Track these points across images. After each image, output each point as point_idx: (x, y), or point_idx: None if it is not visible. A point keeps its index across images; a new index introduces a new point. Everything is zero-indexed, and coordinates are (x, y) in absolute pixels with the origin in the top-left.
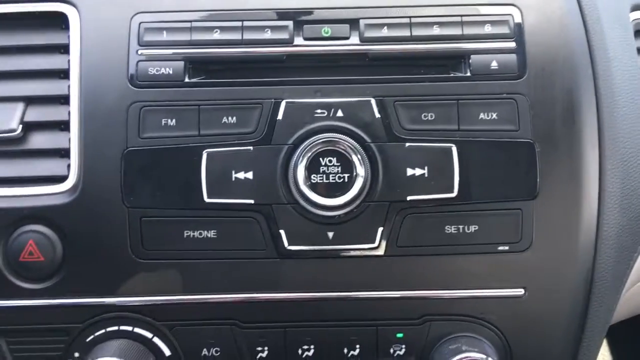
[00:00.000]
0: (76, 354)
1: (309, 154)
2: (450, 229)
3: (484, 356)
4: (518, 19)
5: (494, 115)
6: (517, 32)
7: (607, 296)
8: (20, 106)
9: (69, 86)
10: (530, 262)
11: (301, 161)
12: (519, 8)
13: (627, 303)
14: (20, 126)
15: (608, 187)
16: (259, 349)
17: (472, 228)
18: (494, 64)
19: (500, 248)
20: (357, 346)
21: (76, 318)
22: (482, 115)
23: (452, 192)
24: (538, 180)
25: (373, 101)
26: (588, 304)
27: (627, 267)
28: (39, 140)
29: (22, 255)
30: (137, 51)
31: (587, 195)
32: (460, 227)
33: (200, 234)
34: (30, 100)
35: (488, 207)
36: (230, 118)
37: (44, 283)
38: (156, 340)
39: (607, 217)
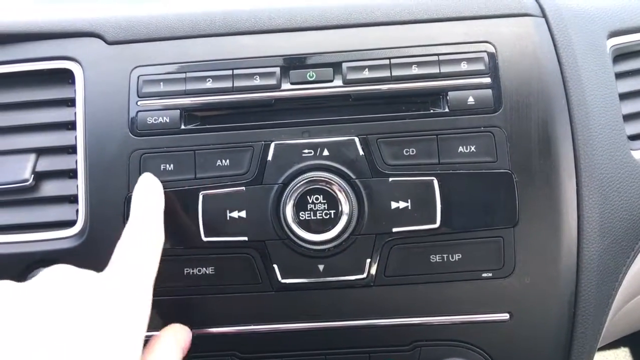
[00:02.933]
0: None
1: (297, 193)
2: (435, 258)
3: None
4: (492, 55)
5: (473, 148)
6: (492, 68)
7: (593, 318)
8: (32, 157)
9: (75, 137)
10: (513, 288)
11: (289, 200)
12: (493, 45)
13: (621, 322)
14: (32, 176)
15: (586, 213)
16: None
17: (456, 256)
18: (471, 100)
19: (484, 275)
20: None
21: None
22: (461, 149)
23: (435, 222)
24: (517, 208)
25: (357, 139)
26: (573, 326)
27: (612, 289)
28: (49, 188)
29: None
30: (136, 102)
31: (566, 221)
32: (445, 256)
33: (199, 270)
34: (41, 151)
35: (470, 236)
36: (223, 161)
37: None
38: None
39: (587, 241)
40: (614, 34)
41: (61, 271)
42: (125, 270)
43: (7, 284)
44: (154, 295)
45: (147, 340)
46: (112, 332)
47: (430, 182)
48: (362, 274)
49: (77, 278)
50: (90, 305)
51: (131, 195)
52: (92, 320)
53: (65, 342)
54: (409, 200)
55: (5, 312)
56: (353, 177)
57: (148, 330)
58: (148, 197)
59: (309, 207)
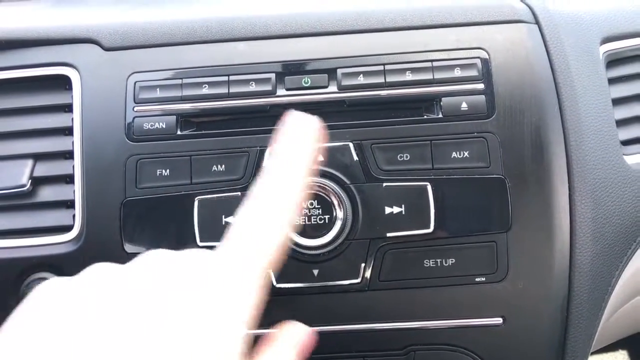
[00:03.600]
0: None
1: None
2: (429, 263)
3: None
4: (486, 62)
5: (466, 154)
6: (485, 74)
7: (585, 322)
8: (29, 163)
9: (73, 142)
10: (506, 292)
11: None
12: (486, 51)
13: (617, 325)
14: (29, 181)
15: (579, 217)
16: None
17: (450, 261)
18: (464, 105)
19: (478, 279)
20: None
21: None
22: (454, 154)
23: (428, 227)
24: (510, 213)
25: (351, 145)
26: (566, 331)
27: (605, 293)
28: (46, 193)
29: None
30: (133, 108)
31: (558, 226)
32: (438, 260)
33: None
34: (38, 157)
35: (464, 240)
36: (219, 166)
37: None
38: None
39: (580, 246)
40: (607, 39)
41: (163, 254)
42: (238, 251)
43: (103, 265)
44: None
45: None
46: (208, 318)
47: (424, 188)
48: (357, 278)
49: (184, 260)
50: (188, 290)
51: (127, 200)
52: (187, 307)
53: (155, 330)
54: (403, 206)
55: (94, 292)
56: (347, 182)
57: None
58: (293, 151)
59: (303, 212)
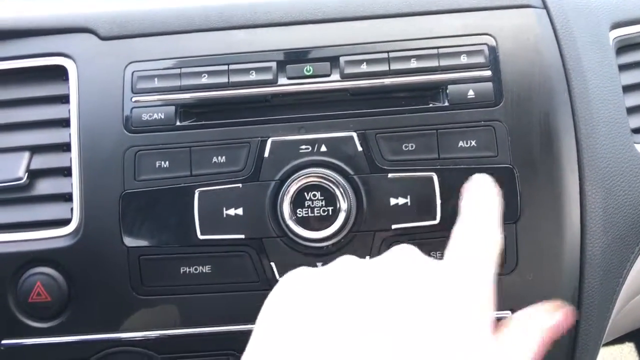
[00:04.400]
0: None
1: (294, 189)
2: (436, 255)
3: None
4: (493, 48)
5: (473, 143)
6: (493, 61)
7: (596, 315)
8: (26, 155)
9: (70, 134)
10: (515, 285)
11: (286, 197)
12: (493, 37)
13: (626, 318)
14: (26, 174)
15: (590, 208)
16: None
17: None
18: (471, 93)
19: None
20: None
21: (82, 353)
22: (461, 143)
23: (434, 219)
24: (519, 204)
25: (355, 135)
26: (577, 323)
27: (616, 285)
28: (43, 186)
29: (31, 296)
30: (131, 98)
31: (569, 216)
32: (445, 252)
33: (196, 269)
34: (35, 149)
35: None
36: (220, 157)
37: (51, 322)
38: None
39: (591, 237)
40: (617, 25)
41: (410, 252)
42: (472, 253)
43: (351, 259)
44: (150, 294)
45: None
46: (469, 305)
47: (430, 178)
48: None
49: (425, 266)
50: (441, 296)
51: (126, 192)
52: (444, 311)
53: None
54: (409, 197)
55: (348, 286)
56: (351, 173)
57: (146, 330)
58: (483, 195)
59: (306, 204)
